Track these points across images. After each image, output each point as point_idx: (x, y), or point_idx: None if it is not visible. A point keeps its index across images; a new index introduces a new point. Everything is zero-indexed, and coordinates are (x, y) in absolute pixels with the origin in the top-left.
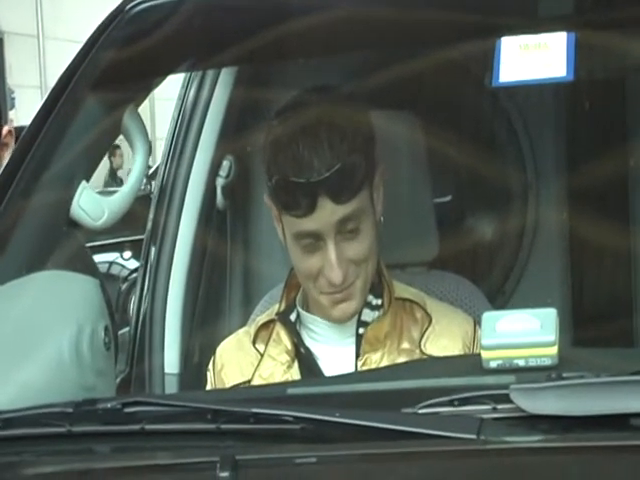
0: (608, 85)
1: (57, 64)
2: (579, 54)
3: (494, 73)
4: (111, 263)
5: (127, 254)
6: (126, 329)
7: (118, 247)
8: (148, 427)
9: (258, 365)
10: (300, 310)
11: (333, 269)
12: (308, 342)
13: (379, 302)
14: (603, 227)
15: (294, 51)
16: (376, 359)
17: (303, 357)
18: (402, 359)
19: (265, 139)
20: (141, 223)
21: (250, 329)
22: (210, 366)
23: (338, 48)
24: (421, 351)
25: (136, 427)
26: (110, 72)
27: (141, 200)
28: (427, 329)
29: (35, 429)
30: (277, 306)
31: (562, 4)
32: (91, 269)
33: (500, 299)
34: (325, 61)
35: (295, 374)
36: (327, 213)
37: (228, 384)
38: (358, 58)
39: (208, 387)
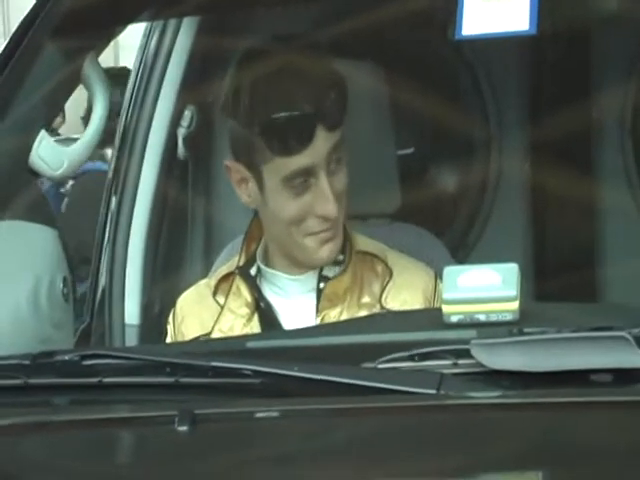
0: (572, 37)
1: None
2: (543, 6)
3: (457, 25)
4: None
5: None
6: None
7: None
8: (106, 380)
9: (218, 318)
10: (260, 265)
11: (329, 202)
12: (268, 296)
13: (340, 257)
14: (566, 179)
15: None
16: (335, 315)
17: (263, 311)
18: (362, 314)
19: (237, 83)
20: None
21: (211, 281)
22: (170, 318)
23: None
24: (381, 305)
25: (94, 380)
26: (70, 19)
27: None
28: (388, 283)
29: None
30: (237, 258)
31: None
32: (49, 219)
33: (462, 251)
34: (286, 10)
35: (255, 328)
36: (321, 144)
37: (188, 336)
38: (321, 6)
39: (168, 339)
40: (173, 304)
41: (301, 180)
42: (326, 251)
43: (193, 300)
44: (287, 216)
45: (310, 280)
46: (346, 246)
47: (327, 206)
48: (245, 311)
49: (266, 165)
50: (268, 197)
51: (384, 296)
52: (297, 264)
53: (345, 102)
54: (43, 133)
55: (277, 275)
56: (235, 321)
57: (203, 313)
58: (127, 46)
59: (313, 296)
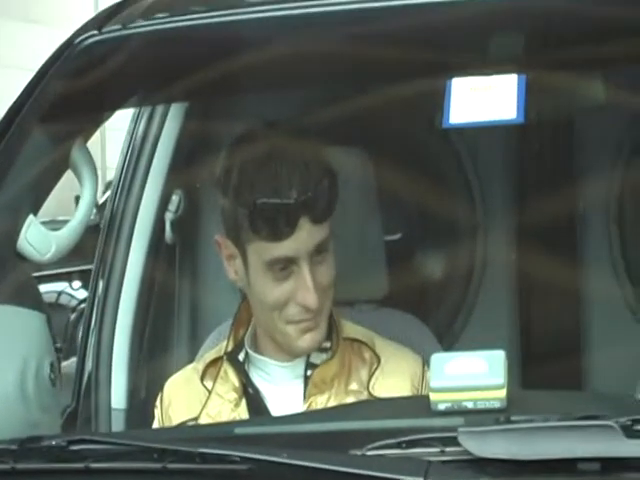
0: (557, 126)
1: (7, 91)
2: (529, 95)
3: (444, 114)
4: (60, 293)
5: (76, 284)
6: (74, 359)
7: (67, 277)
8: (93, 465)
9: (206, 403)
10: (249, 350)
11: (310, 293)
12: (257, 382)
13: (328, 344)
14: (551, 267)
15: (243, 85)
16: (322, 401)
17: (251, 396)
18: (350, 400)
19: (227, 167)
20: (91, 253)
21: (198, 365)
22: (157, 402)
23: (288, 83)
24: (369, 392)
25: (81, 465)
26: (59, 104)
27: (91, 230)
28: (376, 370)
29: None
30: (225, 343)
31: (513, 45)
32: (38, 303)
33: (449, 338)
34: (275, 95)
35: (243, 413)
36: (305, 235)
37: (175, 421)
38: (309, 93)
39: (155, 424)
40: (160, 388)
41: (282, 266)
42: (306, 341)
43: (180, 384)
44: (269, 300)
45: (298, 367)
46: (333, 333)
47: (307, 296)
48: (233, 396)
49: (250, 246)
50: (252, 278)
51: (372, 383)
52: (284, 350)
53: (334, 196)
54: (31, 217)
55: (265, 361)
56: (223, 406)
57: (191, 397)
58: (113, 128)
59: (301, 382)
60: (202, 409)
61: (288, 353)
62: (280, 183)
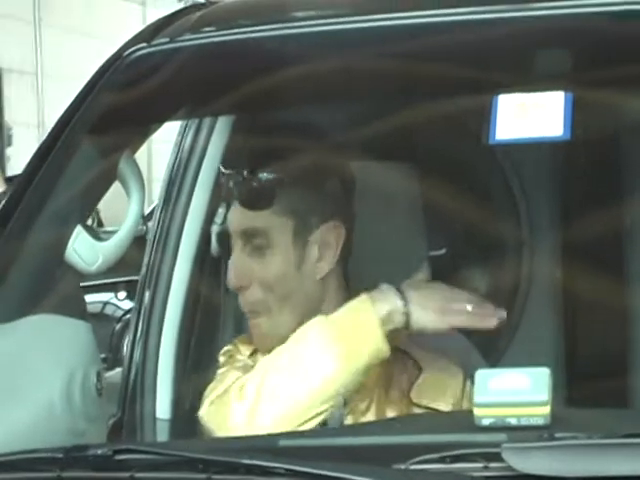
0: (604, 143)
1: (55, 102)
2: (576, 111)
3: (491, 130)
4: (105, 303)
5: (122, 294)
6: (118, 369)
7: (113, 287)
8: (138, 475)
9: None
10: None
11: (230, 270)
12: None
13: None
14: (597, 285)
15: (289, 99)
16: (363, 407)
17: None
18: (390, 408)
19: None
20: (136, 264)
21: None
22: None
23: (334, 97)
24: (410, 401)
25: (126, 475)
26: (107, 117)
27: (137, 241)
28: (417, 379)
29: (24, 474)
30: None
31: (559, 62)
32: (83, 313)
33: (493, 354)
34: (321, 109)
35: None
36: (238, 214)
37: None
38: (355, 107)
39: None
40: (204, 399)
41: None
42: (253, 333)
43: None
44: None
45: None
46: None
47: (229, 273)
48: None
49: None
50: None
51: (413, 392)
52: None
53: (271, 194)
54: (79, 228)
55: None
56: None
57: None
58: (161, 140)
59: None
60: None
61: None
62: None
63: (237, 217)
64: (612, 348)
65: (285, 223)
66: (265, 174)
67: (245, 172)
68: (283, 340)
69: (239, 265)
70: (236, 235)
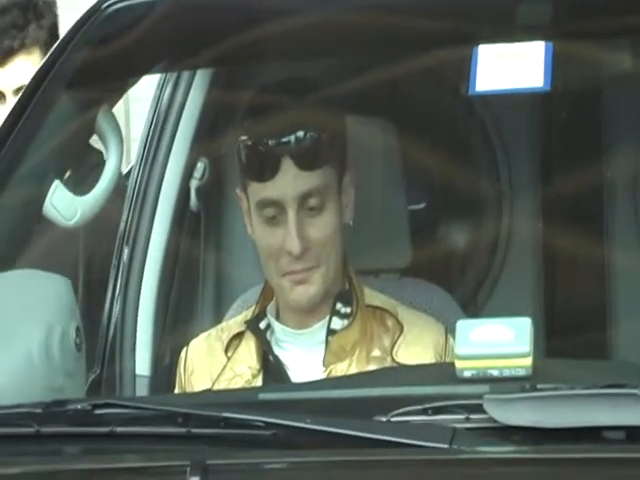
0: (584, 96)
1: None
2: (556, 64)
3: (470, 82)
4: None
5: None
6: None
7: None
8: (118, 429)
9: (225, 369)
10: (270, 318)
11: (292, 238)
12: (277, 350)
13: (348, 310)
14: (577, 237)
15: (269, 54)
16: (342, 368)
17: (272, 365)
18: (372, 367)
19: (242, 113)
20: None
21: (222, 334)
22: (181, 369)
23: (313, 52)
24: (392, 359)
25: (106, 429)
26: (84, 71)
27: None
28: (398, 337)
29: (3, 429)
30: (248, 312)
31: (540, 13)
32: (63, 267)
33: (473, 308)
34: (300, 65)
35: (263, 380)
36: (290, 179)
37: (197, 388)
38: (333, 62)
39: (177, 390)
40: (183, 354)
41: (273, 211)
42: (296, 294)
43: (204, 352)
44: (263, 246)
45: (318, 333)
46: (353, 299)
47: (290, 242)
48: (254, 364)
49: (248, 189)
50: (253, 225)
51: (395, 350)
52: (304, 316)
53: (325, 149)
54: (57, 183)
55: (285, 329)
56: (243, 373)
57: (213, 366)
58: (138, 99)
59: (321, 349)
60: (222, 375)
61: (288, 309)
62: (274, 126)
63: (290, 183)
64: (592, 300)
65: (333, 177)
66: (313, 132)
67: (295, 135)
68: (332, 295)
69: (300, 229)
70: (291, 201)
